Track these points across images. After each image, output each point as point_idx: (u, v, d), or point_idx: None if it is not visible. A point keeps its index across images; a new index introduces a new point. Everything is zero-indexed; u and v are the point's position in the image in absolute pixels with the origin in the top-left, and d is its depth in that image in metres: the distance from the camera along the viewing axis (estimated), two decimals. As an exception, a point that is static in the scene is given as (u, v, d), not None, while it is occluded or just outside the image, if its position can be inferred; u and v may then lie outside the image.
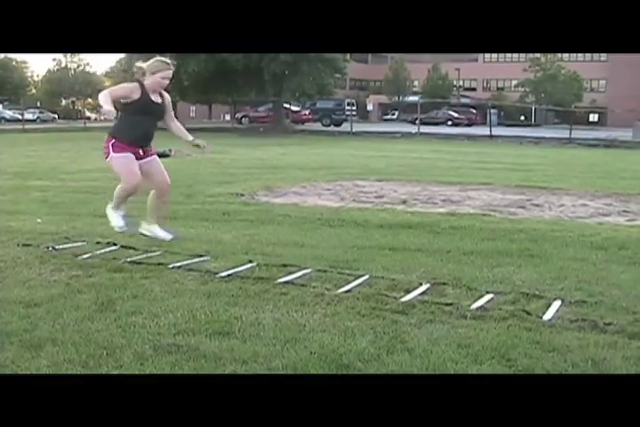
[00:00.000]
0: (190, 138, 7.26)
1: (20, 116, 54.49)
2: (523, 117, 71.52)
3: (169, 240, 7.17)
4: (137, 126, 6.88)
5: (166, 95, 7.12)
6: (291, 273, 6.19)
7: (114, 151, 6.81)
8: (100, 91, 7.00)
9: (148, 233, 7.19)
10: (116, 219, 7.12)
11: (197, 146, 7.25)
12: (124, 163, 6.85)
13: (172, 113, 7.25)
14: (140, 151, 6.93)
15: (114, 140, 6.83)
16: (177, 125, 7.27)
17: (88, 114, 75.65)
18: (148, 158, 7.03)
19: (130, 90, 6.80)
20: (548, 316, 5.06)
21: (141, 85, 6.82)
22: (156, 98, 6.94)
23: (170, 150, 21.24)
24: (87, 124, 51.75)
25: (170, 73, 6.89)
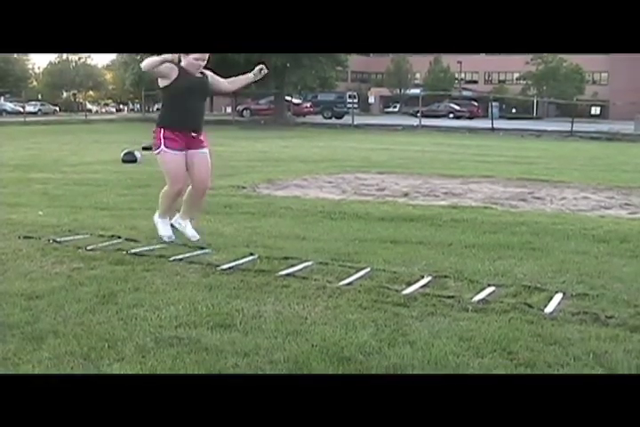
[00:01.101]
0: (250, 75, 7.10)
1: (21, 109, 54.57)
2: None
3: (193, 241, 7.07)
4: (183, 108, 6.72)
5: (208, 73, 6.96)
6: (292, 266, 6.19)
7: (166, 145, 6.72)
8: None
9: (177, 226, 7.12)
10: (163, 228, 7.07)
11: (259, 71, 6.99)
12: (173, 162, 6.78)
13: (221, 79, 7.09)
14: (192, 134, 6.80)
15: (163, 131, 6.71)
16: (233, 80, 7.17)
17: (89, 106, 75.69)
18: (197, 150, 6.91)
19: (168, 67, 6.50)
20: (549, 309, 5.06)
21: (179, 66, 6.60)
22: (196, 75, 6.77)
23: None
24: (88, 117, 51.87)
25: (205, 55, 6.64)
